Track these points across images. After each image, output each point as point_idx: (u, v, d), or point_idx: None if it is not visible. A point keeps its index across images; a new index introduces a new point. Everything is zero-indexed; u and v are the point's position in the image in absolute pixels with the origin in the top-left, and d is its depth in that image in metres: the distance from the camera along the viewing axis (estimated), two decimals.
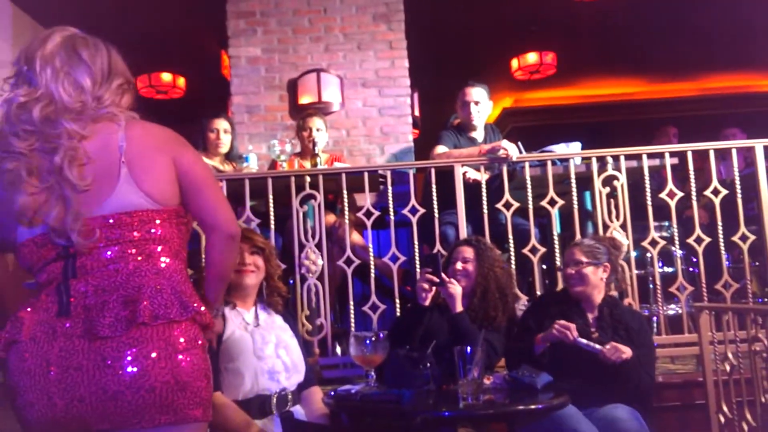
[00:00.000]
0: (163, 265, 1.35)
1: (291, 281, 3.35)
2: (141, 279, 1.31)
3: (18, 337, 1.29)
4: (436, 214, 3.46)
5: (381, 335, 2.24)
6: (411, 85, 4.92)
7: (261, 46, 4.86)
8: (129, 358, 1.24)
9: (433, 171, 3.55)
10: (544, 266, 3.72)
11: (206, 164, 1.51)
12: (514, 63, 7.08)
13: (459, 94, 4.07)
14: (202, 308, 1.36)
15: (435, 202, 3.45)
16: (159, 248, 1.36)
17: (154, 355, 1.25)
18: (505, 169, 3.56)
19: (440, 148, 3.91)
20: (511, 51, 6.99)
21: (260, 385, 2.15)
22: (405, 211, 3.47)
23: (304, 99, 4.73)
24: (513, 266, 3.37)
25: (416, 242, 3.43)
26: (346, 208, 3.56)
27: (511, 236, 3.45)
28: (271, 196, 3.39)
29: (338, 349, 3.49)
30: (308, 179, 3.47)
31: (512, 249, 3.44)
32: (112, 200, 1.33)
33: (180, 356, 1.28)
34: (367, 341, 2.21)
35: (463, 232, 3.45)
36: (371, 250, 3.48)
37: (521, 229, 3.53)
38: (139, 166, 1.35)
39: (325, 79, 4.74)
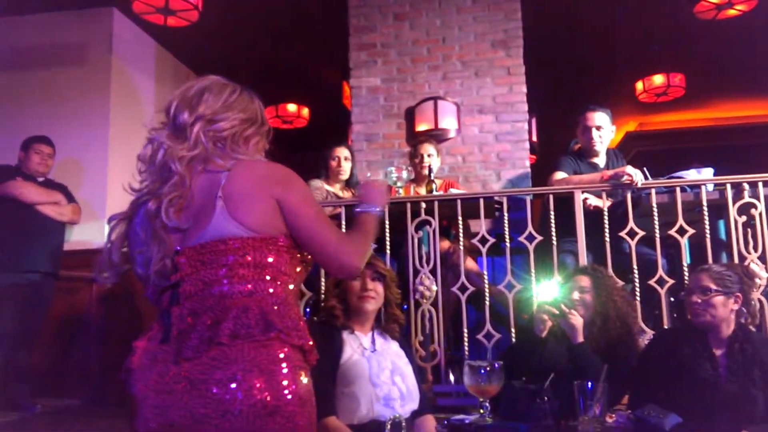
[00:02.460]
0: (251, 286, 1.35)
1: (405, 306, 3.37)
2: (231, 300, 1.33)
3: (130, 365, 1.37)
4: (554, 242, 3.37)
5: (496, 365, 2.19)
6: (529, 110, 4.85)
7: (381, 76, 4.98)
8: (214, 380, 1.23)
9: (551, 197, 3.46)
10: (673, 299, 3.50)
11: (314, 203, 1.48)
12: (639, 85, 6.80)
13: (580, 119, 3.94)
14: (295, 330, 1.34)
15: (553, 229, 3.36)
16: (253, 272, 1.36)
17: (239, 376, 1.23)
18: (629, 195, 3.41)
19: (559, 174, 3.79)
20: (635, 73, 6.72)
21: (375, 411, 2.17)
22: (521, 238, 3.40)
23: (421, 126, 4.78)
24: (638, 298, 3.19)
25: (533, 270, 3.35)
26: (461, 234, 3.54)
27: (635, 266, 3.28)
28: (387, 222, 3.45)
29: (452, 377, 3.46)
30: (423, 205, 3.49)
31: (637, 280, 3.27)
32: (209, 231, 1.37)
33: (265, 378, 1.25)
34: (482, 371, 2.17)
35: (583, 260, 3.32)
36: (486, 277, 3.43)
37: (647, 259, 3.35)
38: (234, 199, 1.39)
39: (442, 107, 4.77)
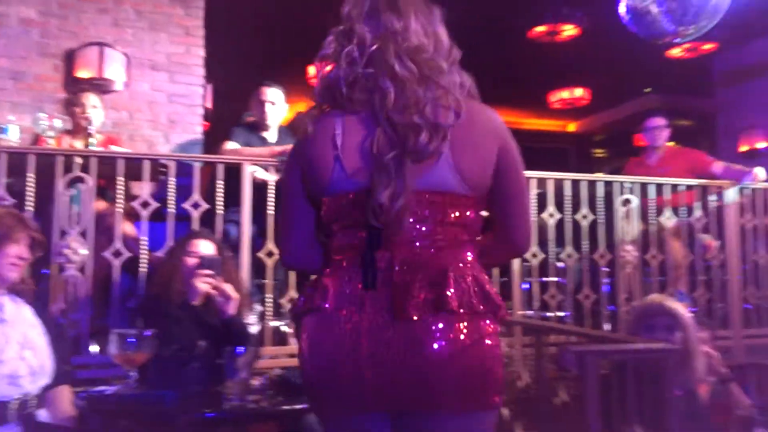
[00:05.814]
0: (468, 254, 1.31)
1: (47, 271, 3.03)
2: (445, 262, 1.27)
3: (323, 305, 1.27)
4: (220, 211, 3.36)
5: (146, 333, 2.12)
6: (206, 76, 4.78)
7: (37, 8, 4.40)
8: (438, 340, 1.21)
9: (221, 166, 3.45)
10: None
11: (523, 168, 1.39)
12: (312, 69, 7.19)
13: (254, 93, 4.01)
14: (500, 301, 1.32)
15: (220, 199, 3.35)
16: (465, 236, 1.31)
17: (463, 338, 1.22)
18: None
19: (230, 144, 3.82)
20: (310, 56, 7.07)
21: None
22: (186, 205, 3.32)
23: (83, 73, 4.36)
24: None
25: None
26: (120, 196, 3.30)
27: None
28: (32, 175, 3.03)
29: (95, 348, 3.22)
30: (79, 160, 3.16)
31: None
32: (429, 177, 1.27)
33: (487, 341, 1.26)
34: (130, 339, 2.08)
35: (247, 231, 3.39)
36: (146, 242, 3.27)
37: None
38: (462, 147, 1.28)
39: (109, 55, 4.42)
